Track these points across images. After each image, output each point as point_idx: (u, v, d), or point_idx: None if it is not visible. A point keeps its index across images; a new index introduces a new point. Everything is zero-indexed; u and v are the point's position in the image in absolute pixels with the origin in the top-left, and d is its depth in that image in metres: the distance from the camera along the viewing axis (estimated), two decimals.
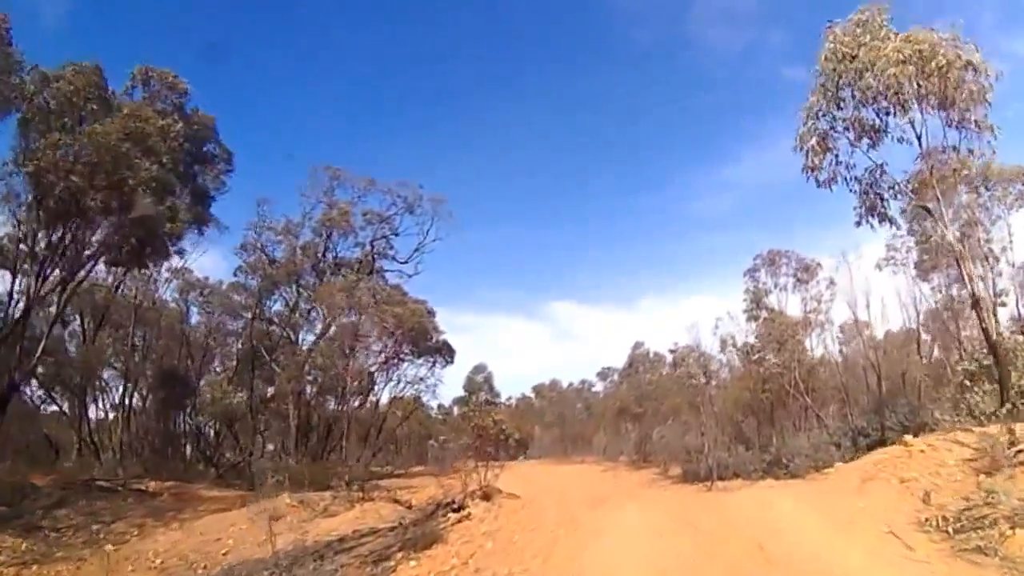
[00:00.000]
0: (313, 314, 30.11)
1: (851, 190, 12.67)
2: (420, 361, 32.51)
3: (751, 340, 25.86)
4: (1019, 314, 21.14)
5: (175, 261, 26.78)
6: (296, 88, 74.79)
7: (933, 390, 20.90)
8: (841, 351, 26.38)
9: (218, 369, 31.30)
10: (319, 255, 31.08)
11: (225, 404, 27.64)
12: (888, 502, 9.37)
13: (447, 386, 46.13)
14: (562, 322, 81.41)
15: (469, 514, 11.25)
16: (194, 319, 30.99)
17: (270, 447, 30.14)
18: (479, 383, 46.64)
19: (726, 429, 24.65)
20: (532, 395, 53.26)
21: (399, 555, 9.73)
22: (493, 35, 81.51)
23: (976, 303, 12.16)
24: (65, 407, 26.82)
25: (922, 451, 10.84)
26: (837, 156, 12.48)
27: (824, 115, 12.28)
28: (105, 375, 27.23)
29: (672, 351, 31.50)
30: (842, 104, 11.99)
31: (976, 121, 11.48)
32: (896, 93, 10.97)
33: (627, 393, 37.58)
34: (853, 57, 11.46)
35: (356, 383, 30.20)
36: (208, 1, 66.54)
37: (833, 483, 11.25)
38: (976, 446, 10.22)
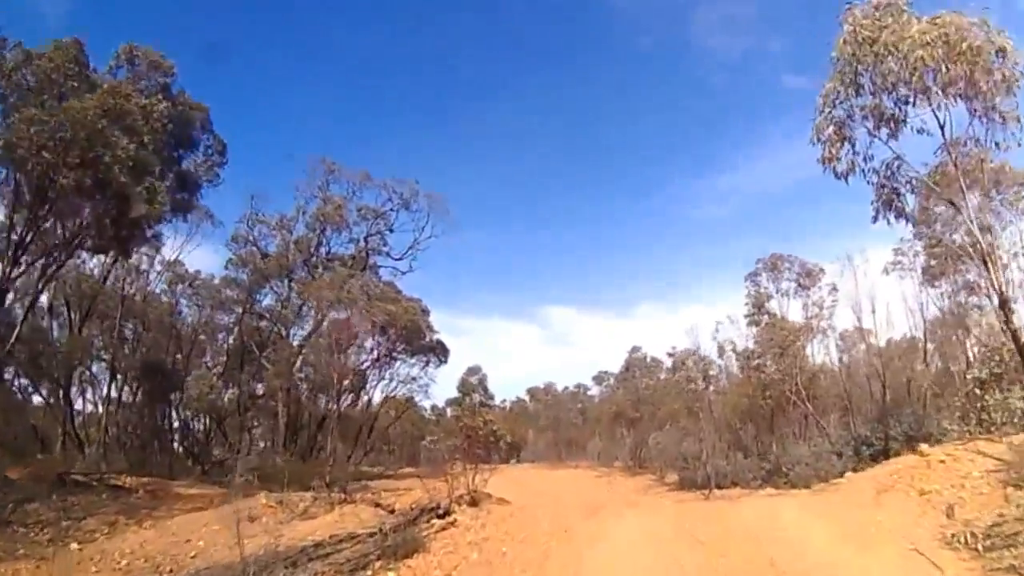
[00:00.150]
0: (305, 310, 29.58)
1: (868, 182, 11.98)
2: (413, 360, 31.99)
3: (751, 346, 25.41)
4: None
5: (167, 254, 26.57)
6: (295, 89, 74.09)
7: (941, 398, 20.26)
8: (841, 359, 25.72)
9: (209, 364, 30.53)
10: (312, 250, 30.50)
11: (211, 399, 26.98)
12: (908, 516, 8.64)
13: (441, 387, 45.94)
14: (559, 327, 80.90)
15: (455, 521, 10.47)
16: (184, 313, 30.29)
17: (263, 445, 29.41)
18: (473, 384, 46.04)
19: (724, 436, 24.09)
20: (527, 398, 52.65)
21: (377, 564, 8.97)
22: (493, 37, 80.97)
23: (1004, 303, 11.46)
24: (51, 400, 26.08)
25: (942, 461, 10.12)
26: (854, 146, 11.80)
27: (841, 103, 11.58)
28: (94, 368, 26.73)
29: (671, 354, 31.08)
30: (861, 90, 11.32)
31: (1002, 112, 10.82)
32: (920, 78, 10.29)
33: (623, 398, 37.02)
34: (874, 40, 10.80)
35: (347, 381, 29.60)
36: (208, 1, 65.85)
37: (845, 494, 10.51)
38: (1001, 457, 9.51)
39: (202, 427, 29.83)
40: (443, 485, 11.73)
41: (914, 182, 12.49)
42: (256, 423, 31.31)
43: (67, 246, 17.00)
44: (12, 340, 17.41)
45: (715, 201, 79.48)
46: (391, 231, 31.27)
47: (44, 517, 14.47)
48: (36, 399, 25.47)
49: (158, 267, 27.85)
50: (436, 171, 76.87)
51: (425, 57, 77.64)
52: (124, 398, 26.69)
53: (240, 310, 29.26)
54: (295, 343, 28.73)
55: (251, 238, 29.67)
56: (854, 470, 14.72)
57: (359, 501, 13.47)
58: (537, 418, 50.14)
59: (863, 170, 11.85)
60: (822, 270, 25.96)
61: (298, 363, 28.59)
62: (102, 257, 22.19)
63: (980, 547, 7.31)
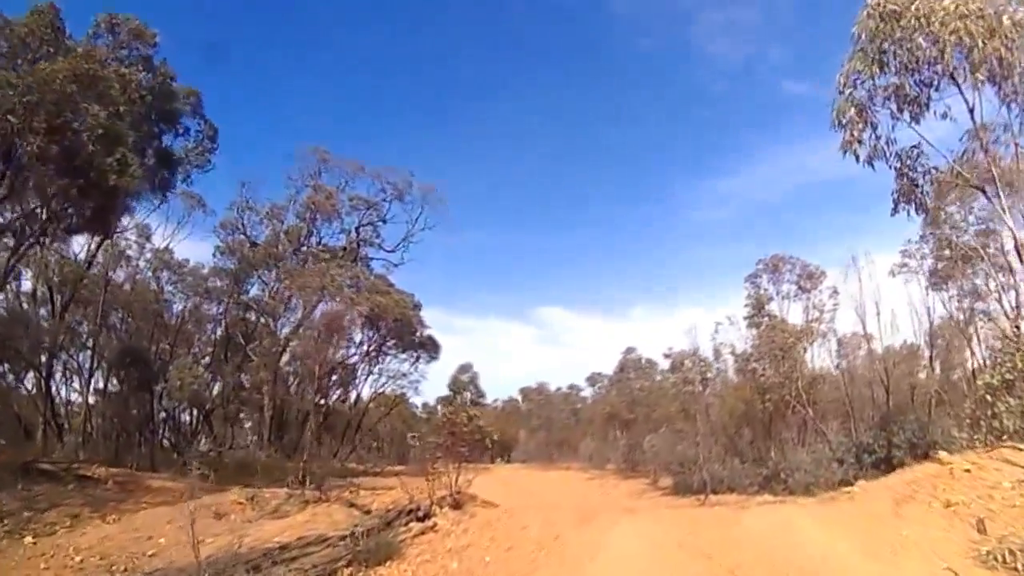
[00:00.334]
0: (294, 301, 28.70)
1: (891, 166, 11.14)
2: (404, 356, 31.20)
3: (749, 348, 24.83)
4: None
5: (157, 241, 25.60)
6: (295, 89, 73.43)
7: (948, 405, 19.57)
8: (839, 364, 25.05)
9: (196, 352, 29.59)
10: (301, 239, 29.62)
11: (195, 390, 26.01)
12: (935, 530, 7.79)
13: (433, 384, 45.25)
14: (554, 328, 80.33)
15: (435, 525, 9.56)
16: (171, 301, 29.37)
17: (253, 438, 28.53)
18: (464, 382, 45.27)
19: (720, 440, 23.44)
20: (519, 398, 51.92)
21: (347, 571, 8.09)
22: (493, 37, 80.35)
23: None
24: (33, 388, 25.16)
25: (967, 471, 9.31)
26: (876, 129, 10.98)
27: (862, 83, 10.79)
28: (80, 357, 25.78)
29: (667, 355, 30.42)
30: (885, 68, 10.50)
31: None
32: (950, 58, 9.48)
33: (617, 399, 36.36)
34: (900, 15, 9.97)
35: (334, 375, 28.78)
36: (208, 1, 64.90)
37: (860, 505, 9.66)
38: None
39: (190, 419, 28.98)
40: (425, 485, 10.82)
41: (934, 172, 11.71)
42: (243, 416, 30.47)
43: (40, 220, 16.07)
44: None
45: (715, 205, 79.18)
46: (384, 222, 30.50)
47: (6, 507, 13.66)
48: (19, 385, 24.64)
49: (148, 255, 27.18)
50: (436, 171, 76.61)
51: (425, 56, 77.23)
52: (110, 387, 25.84)
53: (227, 300, 28.33)
54: (282, 335, 27.84)
55: (240, 225, 28.81)
56: (855, 478, 14.13)
57: (334, 500, 12.54)
58: (529, 418, 49.46)
59: (886, 155, 11.01)
60: (823, 272, 25.60)
61: (285, 356, 27.80)
62: (87, 243, 21.35)
63: (1020, 566, 6.53)
